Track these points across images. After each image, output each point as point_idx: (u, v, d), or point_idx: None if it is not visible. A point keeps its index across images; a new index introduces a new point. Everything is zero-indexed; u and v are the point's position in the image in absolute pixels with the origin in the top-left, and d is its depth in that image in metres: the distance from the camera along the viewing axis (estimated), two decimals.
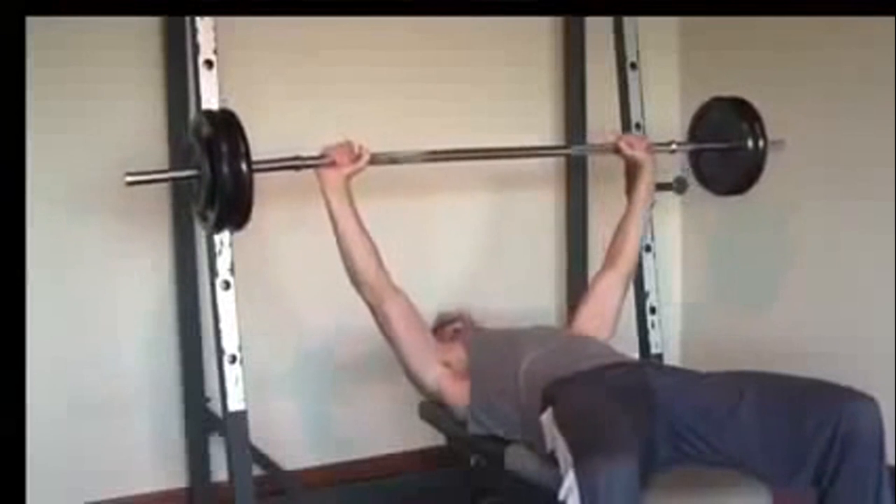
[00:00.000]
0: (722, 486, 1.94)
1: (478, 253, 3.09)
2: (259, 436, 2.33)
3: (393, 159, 2.29)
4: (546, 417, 1.94)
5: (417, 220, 2.98)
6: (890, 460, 1.85)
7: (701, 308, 3.24)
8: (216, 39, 2.11)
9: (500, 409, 2.18)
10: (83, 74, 2.59)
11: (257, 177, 1.96)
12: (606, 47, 2.82)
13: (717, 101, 2.61)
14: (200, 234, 2.46)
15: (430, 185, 2.88)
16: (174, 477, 2.77)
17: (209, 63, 2.10)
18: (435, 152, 2.36)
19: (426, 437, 2.71)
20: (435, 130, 2.95)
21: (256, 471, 2.30)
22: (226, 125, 1.95)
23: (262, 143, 2.71)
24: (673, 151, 2.61)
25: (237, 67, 2.48)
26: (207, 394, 2.68)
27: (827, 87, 2.76)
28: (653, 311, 2.77)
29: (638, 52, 2.78)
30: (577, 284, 3.06)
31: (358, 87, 2.86)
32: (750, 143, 2.50)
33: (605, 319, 2.44)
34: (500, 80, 3.07)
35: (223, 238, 2.11)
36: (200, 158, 1.93)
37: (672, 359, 2.99)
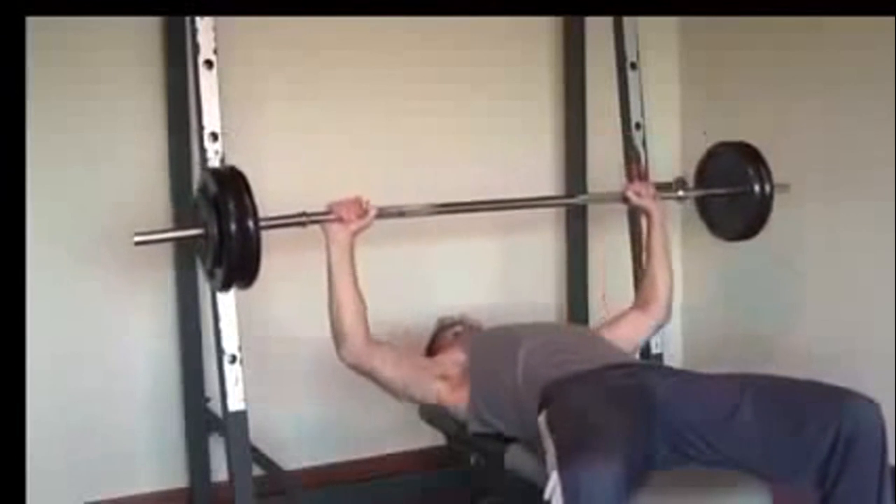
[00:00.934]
0: (722, 486, 1.94)
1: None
2: (259, 436, 2.33)
3: (400, 212, 2.28)
4: (541, 419, 1.95)
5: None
6: (892, 461, 1.85)
7: (701, 309, 3.24)
8: (216, 39, 2.11)
9: (500, 404, 2.18)
10: (83, 74, 2.59)
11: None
12: (606, 47, 2.82)
13: (723, 147, 2.60)
14: None
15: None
16: (174, 477, 2.77)
17: (209, 63, 2.10)
18: (442, 205, 2.36)
19: (426, 437, 2.72)
20: (435, 130, 2.97)
21: (256, 471, 2.30)
22: (232, 183, 1.92)
23: (263, 143, 2.75)
24: (680, 198, 2.62)
25: (237, 67, 2.48)
26: (207, 394, 2.69)
27: (827, 87, 2.76)
28: None
29: (638, 52, 2.78)
30: (577, 289, 3.09)
31: (358, 87, 2.86)
32: (756, 188, 2.50)
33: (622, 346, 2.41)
34: (500, 80, 3.07)
35: None
36: (207, 217, 1.91)
37: (673, 359, 2.99)
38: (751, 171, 2.51)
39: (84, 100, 2.59)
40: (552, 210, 3.14)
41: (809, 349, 2.70)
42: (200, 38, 2.10)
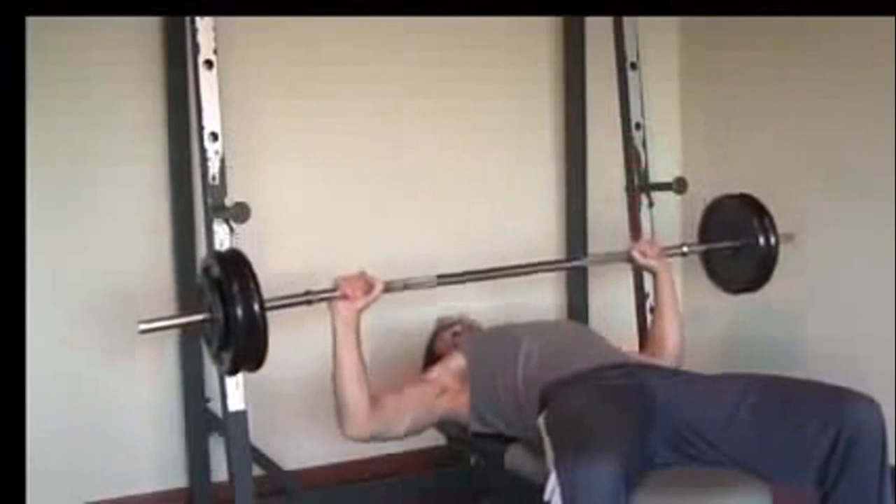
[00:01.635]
0: (722, 486, 1.94)
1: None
2: (259, 436, 2.33)
3: (405, 286, 2.24)
4: (541, 420, 1.95)
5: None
6: (892, 461, 1.85)
7: (701, 309, 3.24)
8: (216, 39, 2.11)
9: (500, 404, 2.19)
10: (83, 74, 2.59)
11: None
12: (606, 47, 2.82)
13: (727, 199, 2.58)
14: (200, 228, 2.46)
15: None
16: (174, 477, 2.77)
17: (209, 63, 2.10)
18: (448, 276, 2.32)
19: (426, 437, 2.70)
20: (435, 129, 2.98)
21: (256, 471, 2.30)
22: (235, 266, 1.90)
23: (263, 143, 2.75)
24: (685, 254, 2.59)
25: (237, 67, 2.48)
26: (207, 394, 2.68)
27: (827, 86, 2.76)
28: (652, 311, 2.76)
29: (638, 52, 2.78)
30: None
31: (358, 86, 2.86)
32: (761, 240, 2.48)
33: None
34: (500, 80, 3.07)
35: (223, 238, 2.11)
36: (212, 301, 1.90)
37: None
38: (755, 223, 2.49)
39: (84, 99, 2.59)
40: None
41: (809, 349, 2.70)
42: (200, 38, 2.10)
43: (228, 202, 2.10)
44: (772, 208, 2.80)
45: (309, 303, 2.05)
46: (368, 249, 2.91)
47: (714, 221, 2.61)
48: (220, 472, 2.64)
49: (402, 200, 2.95)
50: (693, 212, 2.97)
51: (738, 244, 2.52)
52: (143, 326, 1.91)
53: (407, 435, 2.23)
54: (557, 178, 3.16)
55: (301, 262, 2.83)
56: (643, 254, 2.46)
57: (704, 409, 1.94)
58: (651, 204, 2.80)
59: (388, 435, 2.17)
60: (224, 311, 1.86)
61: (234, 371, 1.97)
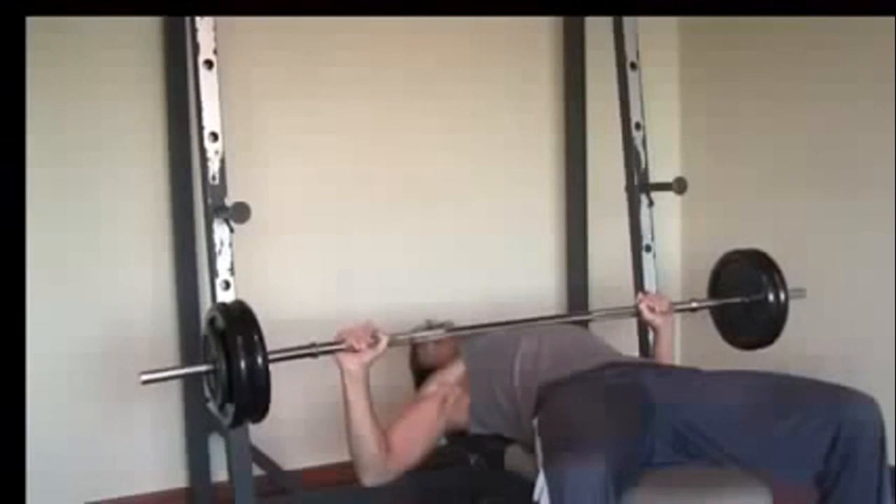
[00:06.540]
0: (722, 486, 1.94)
1: None
2: (259, 436, 2.32)
3: (412, 340, 2.23)
4: (535, 421, 1.95)
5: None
6: (891, 461, 1.85)
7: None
8: (216, 39, 2.11)
9: (499, 405, 2.19)
10: (83, 74, 2.59)
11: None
12: (606, 47, 2.82)
13: (736, 254, 2.56)
14: (200, 232, 2.46)
15: None
16: (174, 477, 2.77)
17: (209, 63, 2.11)
18: (457, 328, 2.30)
19: None
20: (435, 129, 2.98)
21: (256, 471, 2.30)
22: (239, 318, 1.89)
23: (263, 141, 2.75)
24: (694, 309, 2.57)
25: (237, 67, 2.49)
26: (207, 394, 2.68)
27: (827, 87, 2.77)
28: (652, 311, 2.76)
29: (638, 52, 2.78)
30: None
31: (358, 86, 2.87)
32: (771, 296, 2.46)
33: None
34: (501, 80, 3.08)
35: (223, 238, 2.11)
36: (216, 353, 1.89)
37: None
38: (764, 279, 2.47)
39: (84, 99, 2.59)
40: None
41: (809, 349, 2.70)
42: (200, 38, 2.10)
43: (228, 202, 2.10)
44: (772, 209, 2.81)
45: (314, 355, 2.03)
46: (368, 249, 2.92)
47: (725, 277, 2.58)
48: (220, 472, 2.64)
49: (402, 200, 2.96)
50: (693, 210, 2.98)
51: (749, 300, 2.50)
52: (146, 377, 1.89)
53: (421, 461, 2.21)
54: (557, 178, 3.16)
55: (301, 263, 2.84)
56: (651, 309, 2.44)
57: (703, 407, 1.94)
58: (651, 203, 2.80)
59: (404, 470, 2.16)
60: (227, 363, 1.85)
61: (237, 423, 1.94)
